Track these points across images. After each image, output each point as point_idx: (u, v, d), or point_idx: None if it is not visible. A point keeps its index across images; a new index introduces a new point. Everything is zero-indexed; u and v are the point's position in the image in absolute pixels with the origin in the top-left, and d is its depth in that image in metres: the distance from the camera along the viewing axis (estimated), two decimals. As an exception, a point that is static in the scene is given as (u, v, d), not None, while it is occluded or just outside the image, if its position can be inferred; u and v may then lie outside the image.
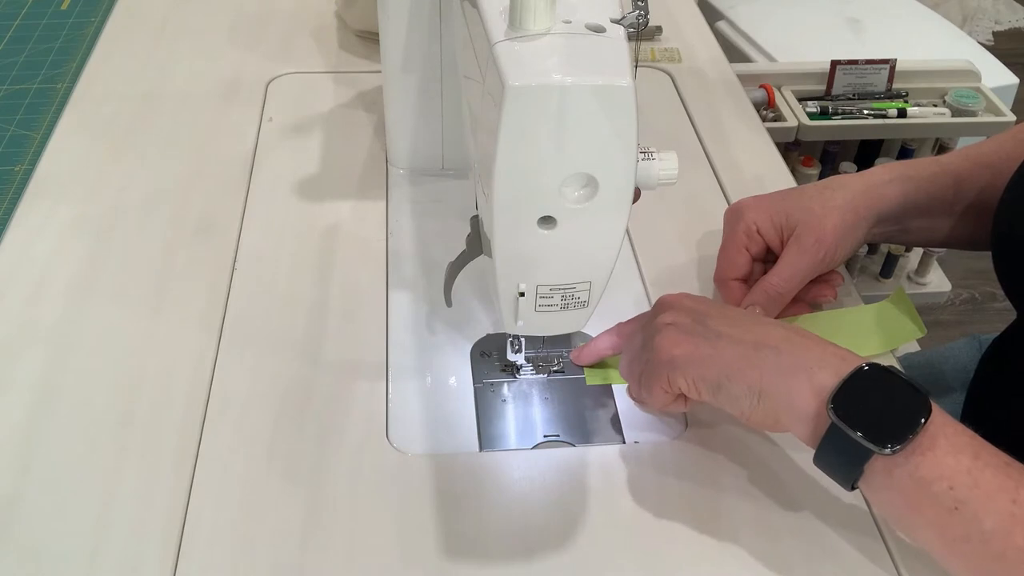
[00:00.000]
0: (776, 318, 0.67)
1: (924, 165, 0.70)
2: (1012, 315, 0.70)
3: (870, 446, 0.48)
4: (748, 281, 0.69)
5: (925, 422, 0.49)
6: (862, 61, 1.34)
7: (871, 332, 0.67)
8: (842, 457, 0.50)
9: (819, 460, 0.52)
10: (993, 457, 0.48)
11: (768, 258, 0.69)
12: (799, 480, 0.58)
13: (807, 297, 0.69)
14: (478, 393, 0.65)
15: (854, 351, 0.65)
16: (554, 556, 0.54)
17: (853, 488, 0.51)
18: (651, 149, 0.56)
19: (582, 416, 0.64)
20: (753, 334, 0.54)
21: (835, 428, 0.49)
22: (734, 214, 0.70)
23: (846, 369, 0.51)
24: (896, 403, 0.50)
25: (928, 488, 0.48)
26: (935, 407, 0.50)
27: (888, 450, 0.48)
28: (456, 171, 0.83)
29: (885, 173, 0.70)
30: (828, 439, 0.50)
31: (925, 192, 0.69)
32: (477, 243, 0.58)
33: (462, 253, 0.60)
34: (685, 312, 0.57)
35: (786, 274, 0.66)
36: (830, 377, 0.51)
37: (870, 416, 0.49)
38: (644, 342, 0.58)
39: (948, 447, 0.48)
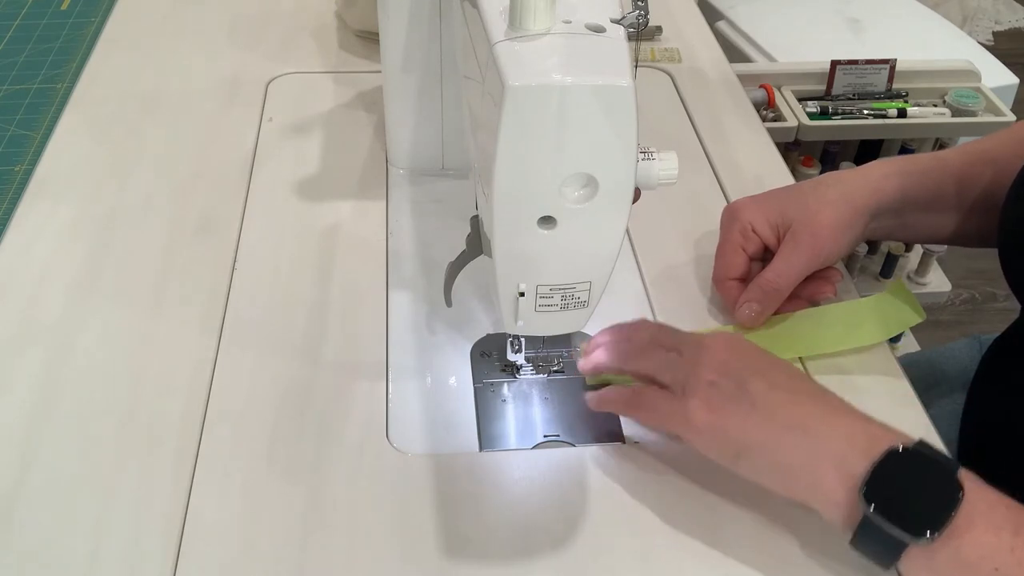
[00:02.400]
0: (775, 314, 0.67)
1: (923, 160, 0.70)
2: (1012, 315, 0.70)
3: (907, 537, 0.48)
4: (746, 281, 0.69)
5: (960, 502, 0.48)
6: (862, 61, 1.34)
7: (870, 320, 0.67)
8: (879, 546, 0.49)
9: (856, 546, 0.51)
10: None
11: (766, 257, 0.69)
12: (799, 480, 0.58)
13: (805, 293, 0.69)
14: (478, 393, 0.65)
15: (855, 341, 0.65)
16: (554, 556, 0.54)
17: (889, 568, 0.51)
18: (651, 149, 0.56)
19: (582, 416, 0.64)
20: (785, 411, 0.53)
21: (869, 518, 0.49)
22: (729, 214, 0.70)
23: (876, 451, 0.50)
24: (929, 487, 0.49)
25: (973, 571, 0.47)
26: (968, 477, 0.49)
27: (926, 538, 0.47)
28: (456, 171, 0.83)
29: (883, 167, 0.69)
30: (863, 529, 0.49)
31: (924, 187, 0.69)
32: (477, 243, 0.58)
33: (462, 253, 0.60)
34: (727, 374, 0.54)
35: (781, 269, 0.66)
36: (860, 462, 0.50)
37: (904, 503, 0.48)
38: (673, 366, 0.56)
39: (986, 525, 0.48)
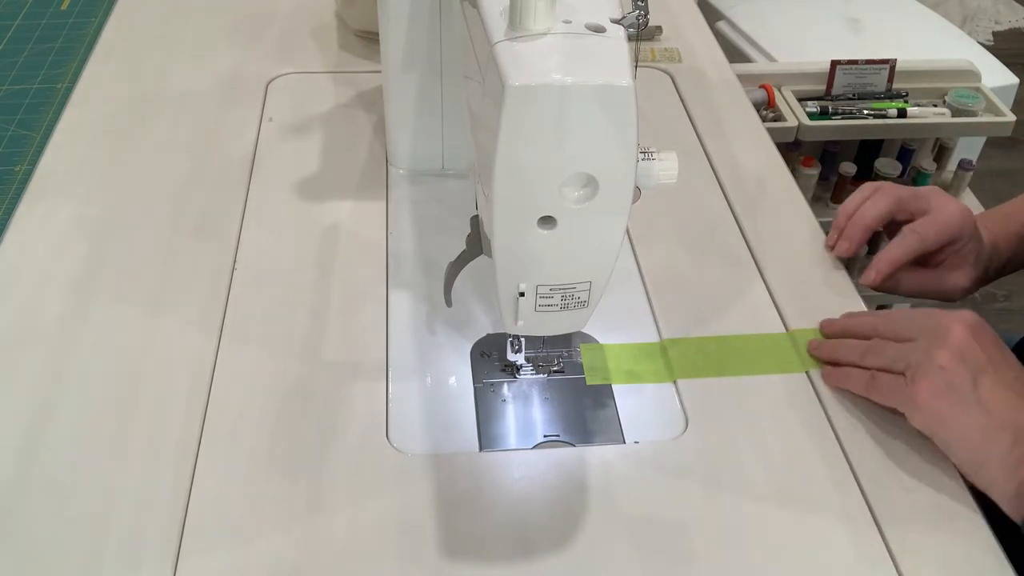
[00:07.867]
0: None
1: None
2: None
3: None
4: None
5: None
6: (862, 61, 1.34)
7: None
8: None
9: None
10: None
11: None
12: (797, 479, 0.59)
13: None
14: (478, 393, 0.65)
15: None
16: (554, 556, 0.54)
17: None
18: (651, 149, 0.55)
19: (582, 416, 0.64)
20: (1005, 413, 0.55)
21: None
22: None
23: None
24: None
25: None
26: None
27: None
28: (456, 171, 0.83)
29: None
30: None
31: None
32: (477, 243, 0.58)
33: (462, 253, 0.60)
34: (963, 363, 0.57)
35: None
36: None
37: None
38: (906, 355, 0.59)
39: None
